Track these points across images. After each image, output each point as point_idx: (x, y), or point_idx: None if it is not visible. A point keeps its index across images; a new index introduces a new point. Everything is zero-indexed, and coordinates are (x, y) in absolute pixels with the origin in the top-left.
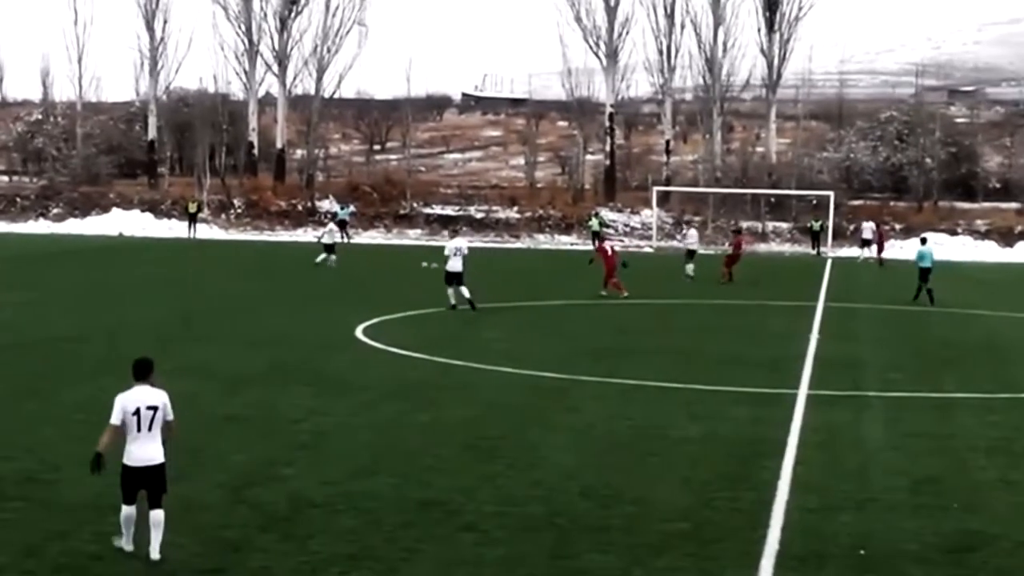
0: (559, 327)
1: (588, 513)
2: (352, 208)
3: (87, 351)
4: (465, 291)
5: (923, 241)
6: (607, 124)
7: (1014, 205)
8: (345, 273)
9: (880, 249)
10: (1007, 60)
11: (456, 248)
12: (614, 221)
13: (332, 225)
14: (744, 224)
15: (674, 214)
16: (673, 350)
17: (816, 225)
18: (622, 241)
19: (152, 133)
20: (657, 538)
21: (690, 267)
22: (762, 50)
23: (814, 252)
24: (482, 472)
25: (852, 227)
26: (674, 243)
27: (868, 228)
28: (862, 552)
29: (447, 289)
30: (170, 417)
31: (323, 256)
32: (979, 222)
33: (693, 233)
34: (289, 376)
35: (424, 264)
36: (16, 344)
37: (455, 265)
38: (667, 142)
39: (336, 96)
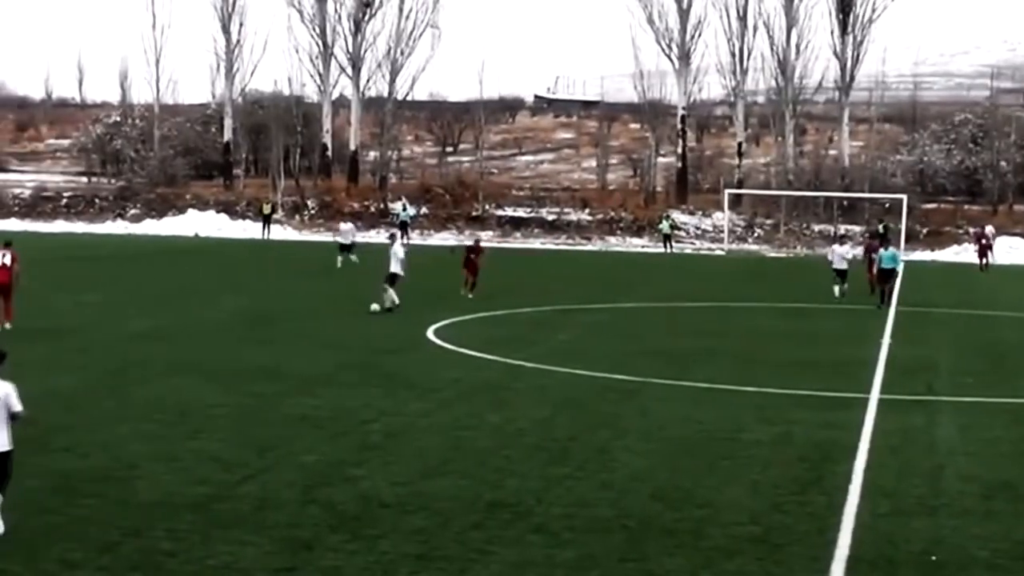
0: (629, 329)
1: (658, 515)
2: (413, 211)
3: (160, 350)
4: (394, 294)
5: (886, 244)
6: (679, 126)
7: None
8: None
9: (983, 254)
10: None
11: (394, 252)
12: (685, 224)
13: (347, 225)
14: (817, 227)
15: (746, 217)
16: (743, 353)
17: (881, 228)
18: (693, 244)
19: (228, 135)
20: (726, 541)
21: (837, 288)
22: (835, 52)
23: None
24: (552, 474)
25: (925, 230)
26: (745, 246)
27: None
28: (933, 558)
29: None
30: (16, 408)
31: (341, 257)
32: None
33: (839, 250)
34: (360, 376)
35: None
36: (93, 343)
37: (395, 267)
38: (739, 144)
39: (409, 98)
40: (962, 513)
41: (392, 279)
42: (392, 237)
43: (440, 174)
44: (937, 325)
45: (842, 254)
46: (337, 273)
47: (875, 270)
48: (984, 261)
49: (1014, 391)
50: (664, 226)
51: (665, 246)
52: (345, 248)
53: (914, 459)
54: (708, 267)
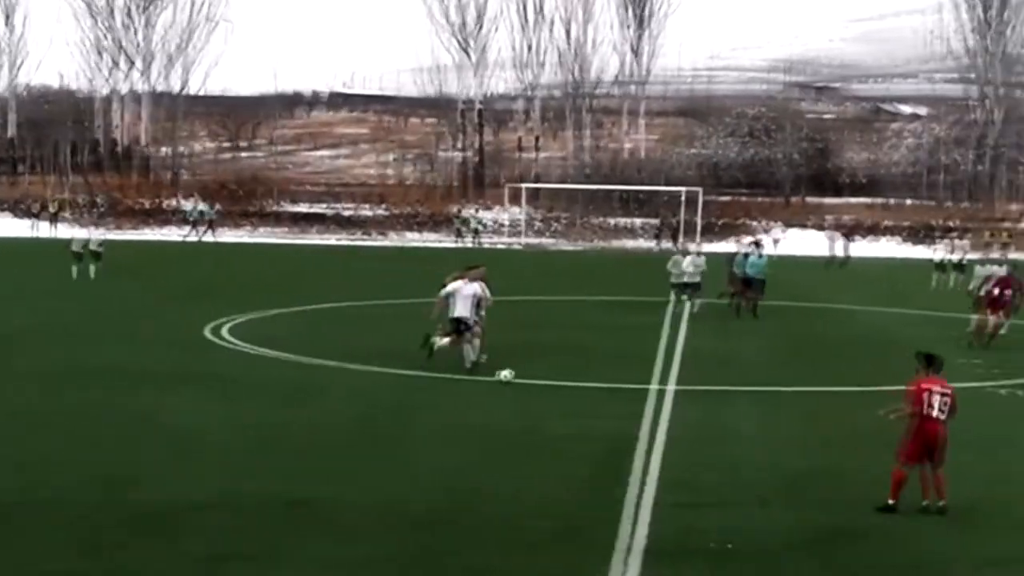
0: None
1: (459, 511)
2: (204, 207)
3: None
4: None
5: (757, 245)
6: (476, 121)
7: (879, 200)
8: (207, 272)
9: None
10: (872, 57)
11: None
12: (482, 218)
13: (80, 231)
14: (612, 221)
15: (543, 211)
16: (543, 347)
17: (674, 221)
18: (491, 238)
19: (11, 130)
20: (527, 535)
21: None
22: (631, 46)
23: (673, 247)
24: (353, 471)
25: (720, 222)
26: (542, 240)
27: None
28: (729, 546)
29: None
30: None
31: (76, 267)
32: (845, 217)
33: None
34: (153, 376)
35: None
36: None
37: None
38: (536, 138)
39: (202, 93)
40: (759, 502)
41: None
42: None
43: (234, 170)
44: (721, 317)
45: (698, 265)
46: (125, 271)
47: (740, 279)
48: (834, 256)
49: (808, 380)
50: (470, 221)
51: (458, 238)
52: (78, 256)
53: (711, 450)
54: (507, 261)
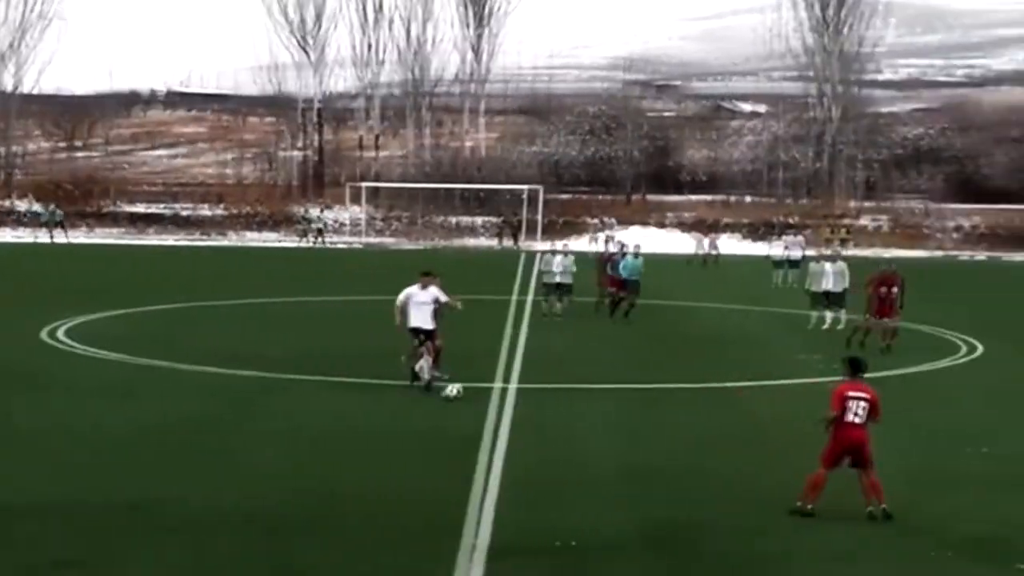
0: (269, 324)
1: (299, 512)
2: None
3: None
4: None
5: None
6: (315, 120)
7: (719, 197)
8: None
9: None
10: (712, 55)
11: None
12: (320, 217)
13: None
14: (454, 219)
15: (383, 210)
16: (386, 347)
17: (516, 219)
18: (331, 238)
19: None
20: (370, 535)
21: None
22: (470, 45)
23: (514, 245)
24: (192, 472)
25: (562, 220)
26: (383, 239)
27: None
28: (573, 543)
29: None
30: None
31: None
32: (686, 214)
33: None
34: None
35: None
36: None
37: None
38: (376, 137)
39: (36, 92)
40: (600, 498)
41: None
42: None
43: (69, 170)
44: (575, 314)
45: (567, 265)
46: None
47: (614, 280)
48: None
49: (647, 377)
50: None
51: (303, 238)
52: None
53: (557, 447)
54: (348, 261)
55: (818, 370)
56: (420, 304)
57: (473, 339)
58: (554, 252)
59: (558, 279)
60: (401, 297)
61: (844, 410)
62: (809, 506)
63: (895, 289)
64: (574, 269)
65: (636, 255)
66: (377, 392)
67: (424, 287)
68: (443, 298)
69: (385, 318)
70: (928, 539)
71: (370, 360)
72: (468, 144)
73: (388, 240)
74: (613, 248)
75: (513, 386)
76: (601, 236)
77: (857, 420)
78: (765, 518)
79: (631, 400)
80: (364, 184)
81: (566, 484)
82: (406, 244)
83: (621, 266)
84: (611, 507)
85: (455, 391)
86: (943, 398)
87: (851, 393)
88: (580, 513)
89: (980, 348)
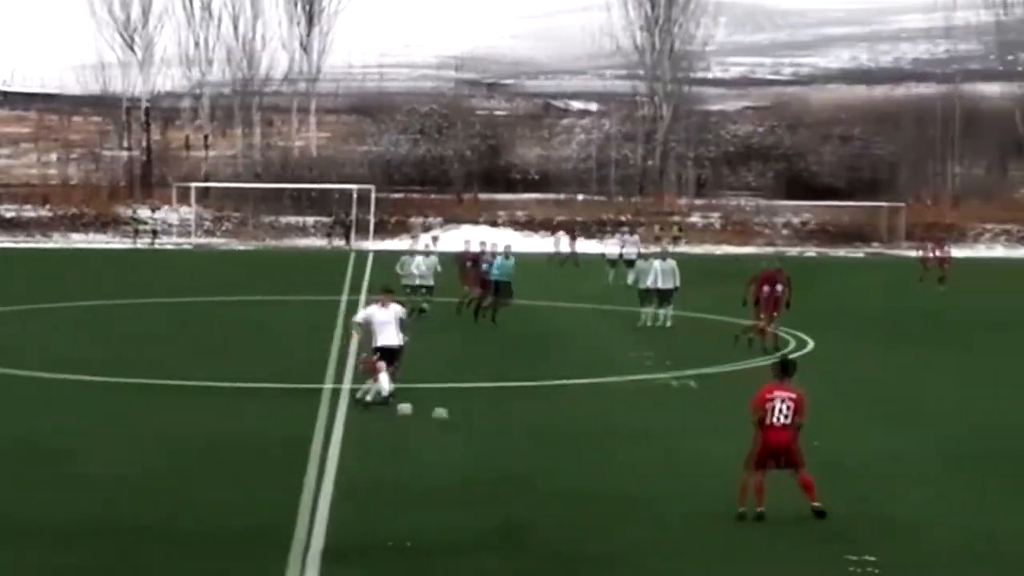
0: (105, 328)
1: (145, 518)
2: None
3: None
4: None
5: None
6: (142, 119)
7: (551, 196)
8: None
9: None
10: (543, 53)
11: None
12: (152, 218)
13: None
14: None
15: (213, 211)
16: (217, 349)
17: (347, 219)
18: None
19: None
20: (209, 539)
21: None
22: (301, 43)
23: (345, 245)
24: (40, 481)
25: (393, 220)
26: (213, 240)
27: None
28: (408, 544)
29: None
30: None
31: None
32: (520, 213)
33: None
34: None
35: None
36: None
37: None
38: (205, 137)
39: None
40: (439, 500)
41: None
42: None
43: None
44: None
45: (429, 266)
46: None
47: (483, 281)
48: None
49: (485, 376)
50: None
51: (135, 239)
52: None
53: (392, 449)
54: (176, 262)
55: (647, 367)
56: (383, 324)
57: (302, 341)
58: (413, 252)
59: (418, 281)
60: (360, 317)
61: (766, 412)
62: (741, 508)
63: (780, 287)
64: (439, 269)
65: (508, 256)
66: (207, 395)
67: (384, 305)
68: (403, 314)
69: (216, 319)
70: (761, 532)
71: (200, 361)
72: (299, 144)
73: (218, 241)
74: (476, 248)
75: (347, 387)
76: (426, 237)
77: (780, 422)
78: (594, 516)
79: (466, 400)
80: (193, 184)
81: (401, 486)
82: (237, 245)
83: (494, 267)
84: (447, 508)
85: (407, 409)
86: None
87: (773, 395)
88: (416, 515)
89: (811, 343)
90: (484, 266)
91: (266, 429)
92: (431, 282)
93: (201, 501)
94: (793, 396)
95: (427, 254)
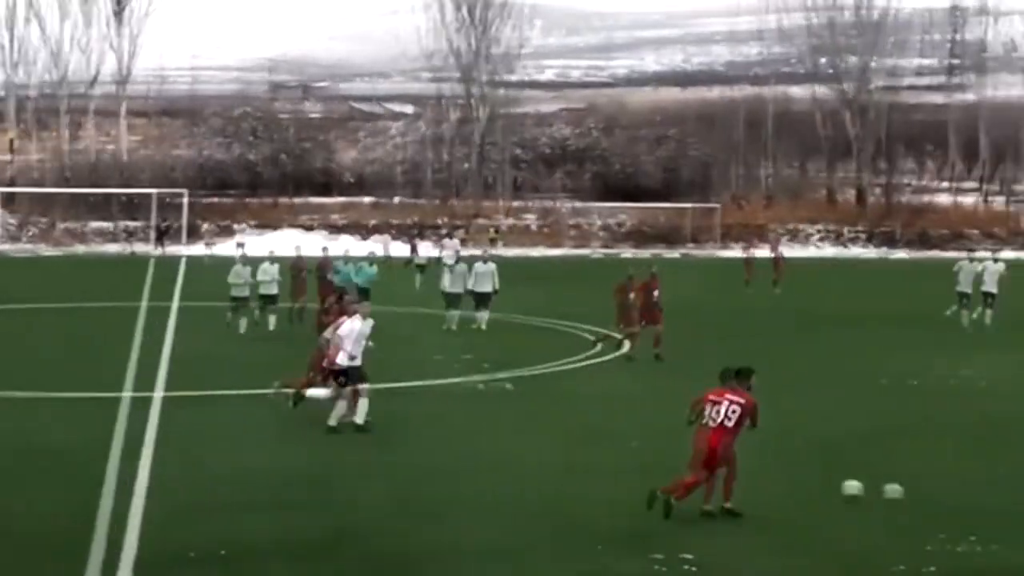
0: None
1: None
2: None
3: None
4: None
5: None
6: None
7: (367, 199)
8: None
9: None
10: (360, 56)
11: None
12: None
13: None
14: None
15: (19, 216)
16: (15, 358)
17: (162, 224)
18: None
19: None
20: (18, 550)
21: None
22: (111, 45)
23: (159, 250)
24: None
25: (205, 225)
26: (20, 246)
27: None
28: (223, 552)
29: None
30: None
31: None
32: (336, 216)
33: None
34: None
35: None
36: None
37: None
38: (11, 141)
39: None
40: (255, 507)
41: None
42: None
43: None
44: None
45: (272, 274)
46: None
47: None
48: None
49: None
50: None
51: None
52: None
53: (203, 455)
54: None
55: (455, 370)
56: (361, 337)
57: (104, 347)
58: (245, 260)
59: (263, 290)
60: (344, 331)
61: (705, 415)
62: (672, 499)
63: (656, 292)
64: (279, 278)
65: (371, 263)
66: (8, 405)
67: (364, 317)
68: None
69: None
70: (581, 532)
71: (2, 370)
72: (110, 147)
73: (25, 247)
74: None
75: (156, 394)
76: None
77: (712, 424)
78: (409, 519)
79: (280, 405)
80: None
81: (210, 492)
82: (44, 250)
83: (359, 274)
84: (259, 514)
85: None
86: (590, 395)
87: (721, 398)
88: (226, 522)
89: (627, 345)
90: (330, 275)
91: (67, 437)
92: (275, 290)
93: (12, 512)
94: (742, 402)
95: (272, 261)
